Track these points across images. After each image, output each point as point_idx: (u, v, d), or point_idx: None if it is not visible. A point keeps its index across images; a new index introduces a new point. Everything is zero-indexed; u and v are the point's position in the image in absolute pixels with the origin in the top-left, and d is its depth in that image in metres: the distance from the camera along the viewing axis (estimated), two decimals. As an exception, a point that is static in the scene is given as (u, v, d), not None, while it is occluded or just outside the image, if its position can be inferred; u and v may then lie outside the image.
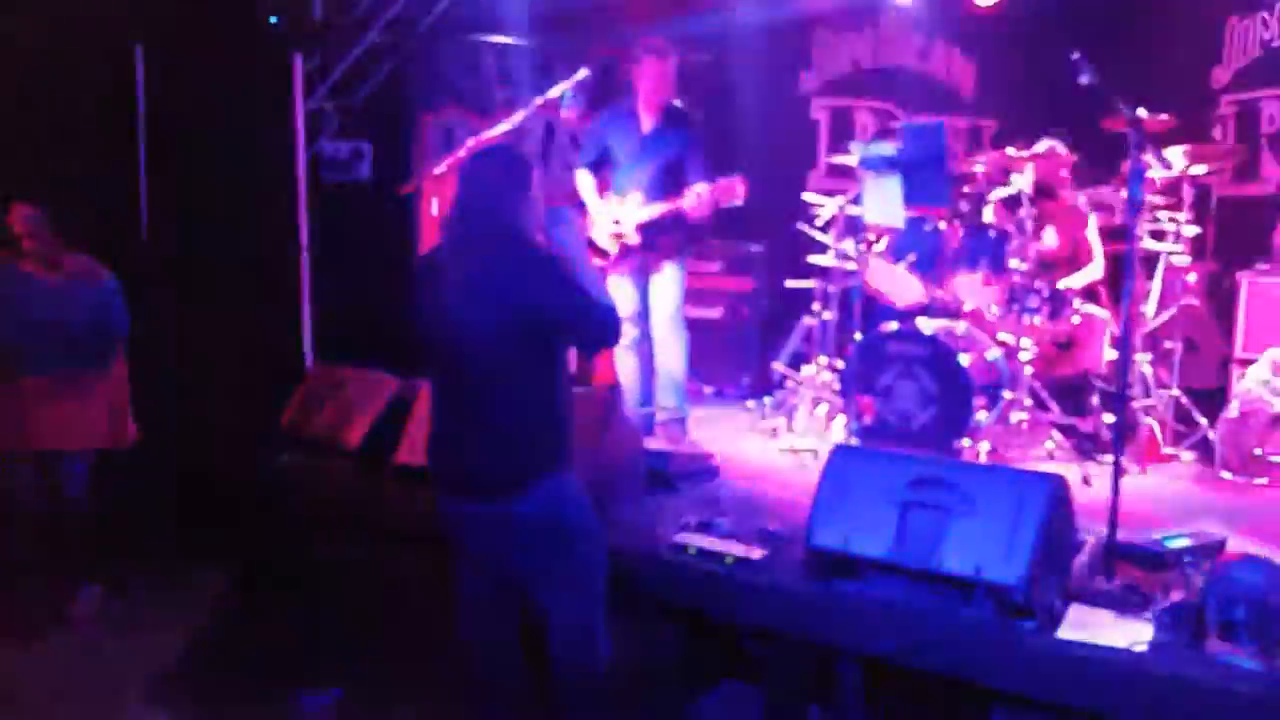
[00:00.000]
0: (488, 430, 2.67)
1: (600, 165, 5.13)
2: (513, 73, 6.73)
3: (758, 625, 3.26)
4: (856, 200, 5.01)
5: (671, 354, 5.12)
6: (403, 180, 5.75)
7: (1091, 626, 2.90)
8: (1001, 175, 5.22)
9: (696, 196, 4.70)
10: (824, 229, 5.48)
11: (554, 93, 4.94)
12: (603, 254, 4.96)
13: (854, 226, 5.06)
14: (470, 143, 4.92)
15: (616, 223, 4.96)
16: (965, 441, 4.59)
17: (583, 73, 4.91)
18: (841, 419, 4.96)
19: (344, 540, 4.13)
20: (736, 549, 3.37)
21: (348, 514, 4.18)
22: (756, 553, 3.35)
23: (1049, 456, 4.76)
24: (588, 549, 2.82)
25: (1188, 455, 5.00)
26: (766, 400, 5.82)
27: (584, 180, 5.13)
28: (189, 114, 5.30)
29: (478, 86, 6.73)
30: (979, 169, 5.31)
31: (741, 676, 3.50)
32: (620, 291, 5.08)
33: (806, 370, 5.55)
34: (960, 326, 4.92)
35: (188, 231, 5.33)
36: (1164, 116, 4.79)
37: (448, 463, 2.78)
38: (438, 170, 4.68)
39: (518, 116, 4.92)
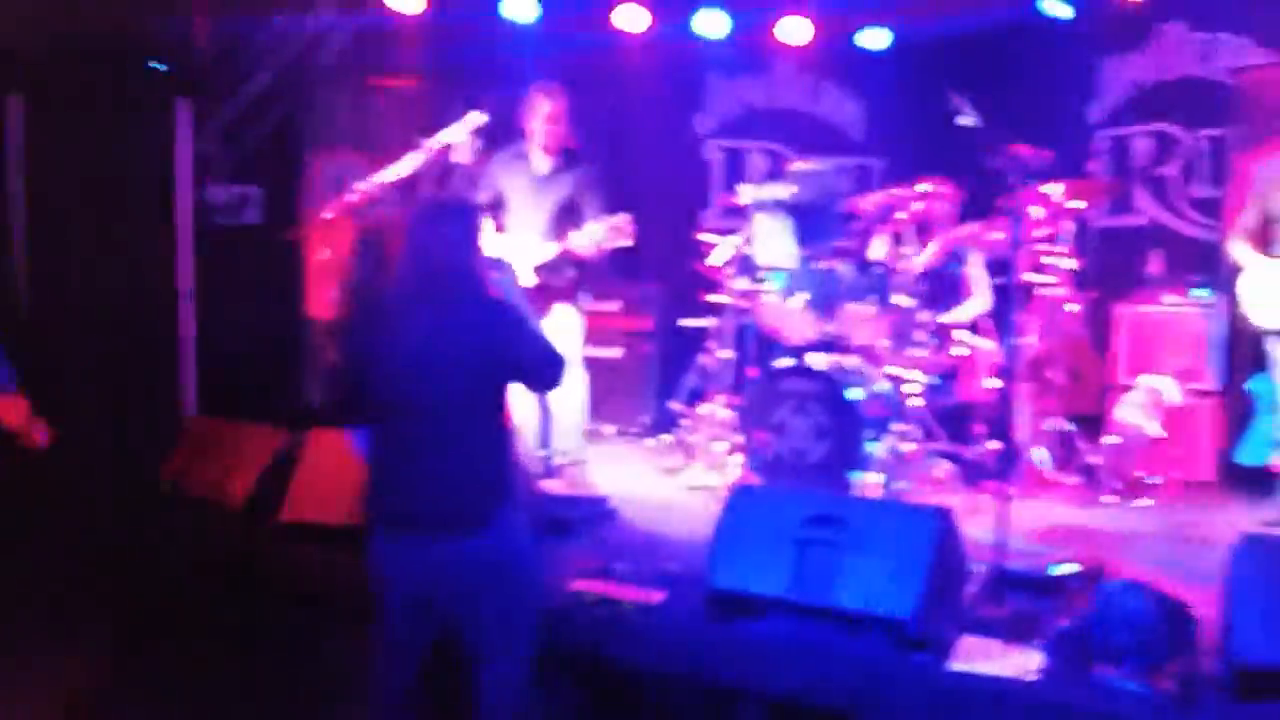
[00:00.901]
0: (451, 467, 2.72)
1: (495, 207, 5.11)
2: (407, 116, 6.67)
3: (659, 671, 3.23)
4: (750, 240, 5.07)
5: (569, 396, 5.08)
6: (292, 224, 5.65)
7: (983, 656, 2.95)
8: (889, 213, 5.35)
9: (586, 237, 4.70)
10: (718, 268, 5.53)
11: (448, 136, 4.90)
12: None
13: (748, 265, 5.12)
14: (361, 187, 4.87)
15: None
16: (858, 474, 4.66)
17: (477, 116, 4.88)
18: (739, 456, 4.99)
19: (228, 602, 3.97)
20: (635, 594, 3.36)
21: (232, 574, 4.02)
22: (656, 596, 3.34)
23: (938, 486, 4.85)
24: (528, 594, 2.87)
25: (1071, 480, 5.15)
26: (666, 439, 5.82)
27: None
28: (68, 163, 5.12)
29: (370, 130, 6.66)
30: (867, 208, 5.44)
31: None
32: None
33: (704, 408, 5.58)
34: (851, 361, 5.00)
35: (65, 282, 5.12)
36: (1043, 153, 4.98)
37: (400, 504, 2.78)
38: (325, 215, 4.60)
39: (411, 160, 4.87)
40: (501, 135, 5.16)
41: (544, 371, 2.88)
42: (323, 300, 5.79)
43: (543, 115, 4.89)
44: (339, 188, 6.36)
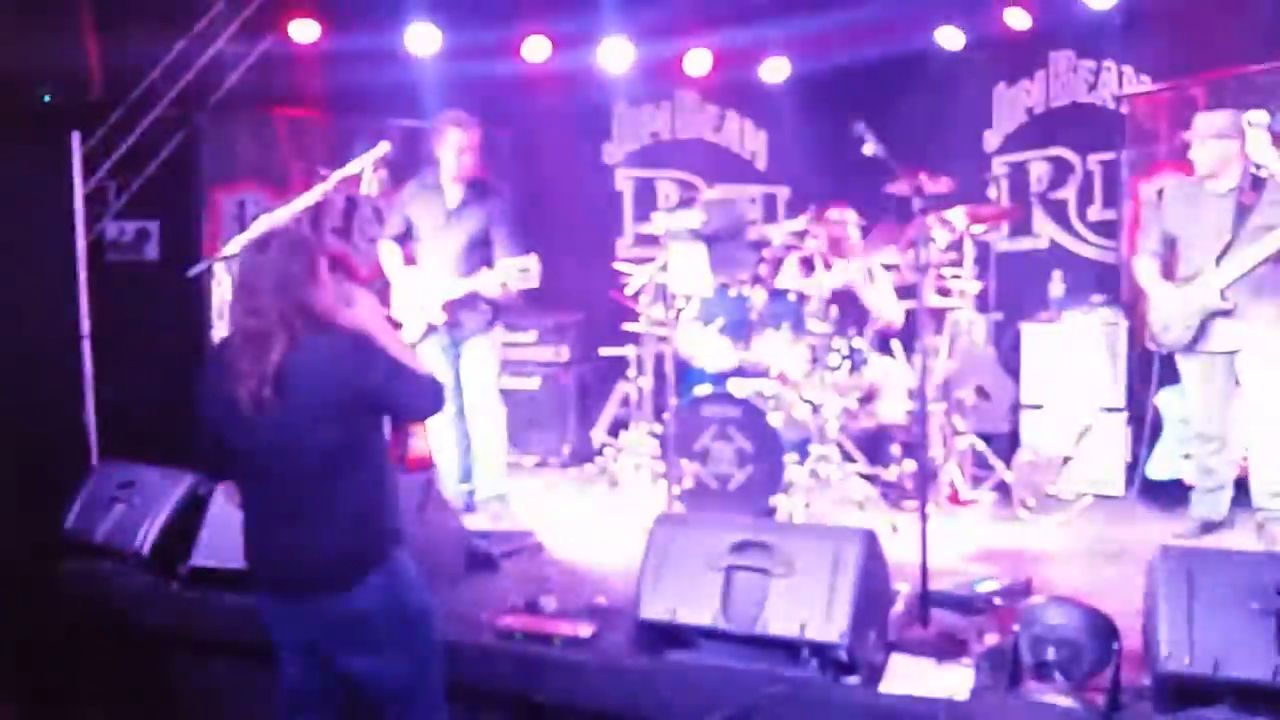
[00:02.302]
0: (314, 525, 2.56)
1: (405, 238, 5.03)
2: (310, 147, 6.56)
3: (590, 706, 3.18)
4: (664, 268, 5.09)
5: (489, 430, 5.01)
6: (194, 259, 5.47)
7: (913, 676, 2.97)
8: (797, 241, 5.44)
9: (493, 279, 4.66)
10: (635, 296, 5.54)
11: (353, 167, 4.81)
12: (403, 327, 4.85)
13: (663, 293, 5.13)
14: (266, 221, 4.74)
15: (420, 303, 4.87)
16: (779, 498, 4.69)
17: (383, 146, 4.80)
18: (663, 484, 4.98)
19: (136, 653, 3.79)
20: (564, 628, 3.30)
21: (139, 624, 3.84)
22: (585, 630, 3.29)
23: (859, 507, 4.92)
24: (426, 634, 2.74)
25: (987, 497, 5.27)
26: (588, 469, 5.79)
27: (388, 253, 5.02)
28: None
29: (272, 161, 6.52)
30: (776, 236, 5.51)
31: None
32: (432, 365, 4.96)
33: (626, 437, 5.56)
34: (769, 387, 5.05)
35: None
36: (944, 179, 5.12)
37: (270, 562, 2.65)
38: (228, 250, 4.46)
39: (316, 191, 4.77)
40: (409, 166, 5.10)
41: (415, 399, 2.66)
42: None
43: (454, 146, 4.84)
44: (240, 221, 6.25)
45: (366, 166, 4.73)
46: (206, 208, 6.38)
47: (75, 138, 5.27)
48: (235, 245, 4.65)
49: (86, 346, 5.17)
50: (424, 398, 2.68)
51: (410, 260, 5.01)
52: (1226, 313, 4.31)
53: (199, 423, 2.69)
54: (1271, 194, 4.23)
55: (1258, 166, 4.19)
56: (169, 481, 4.18)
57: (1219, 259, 4.32)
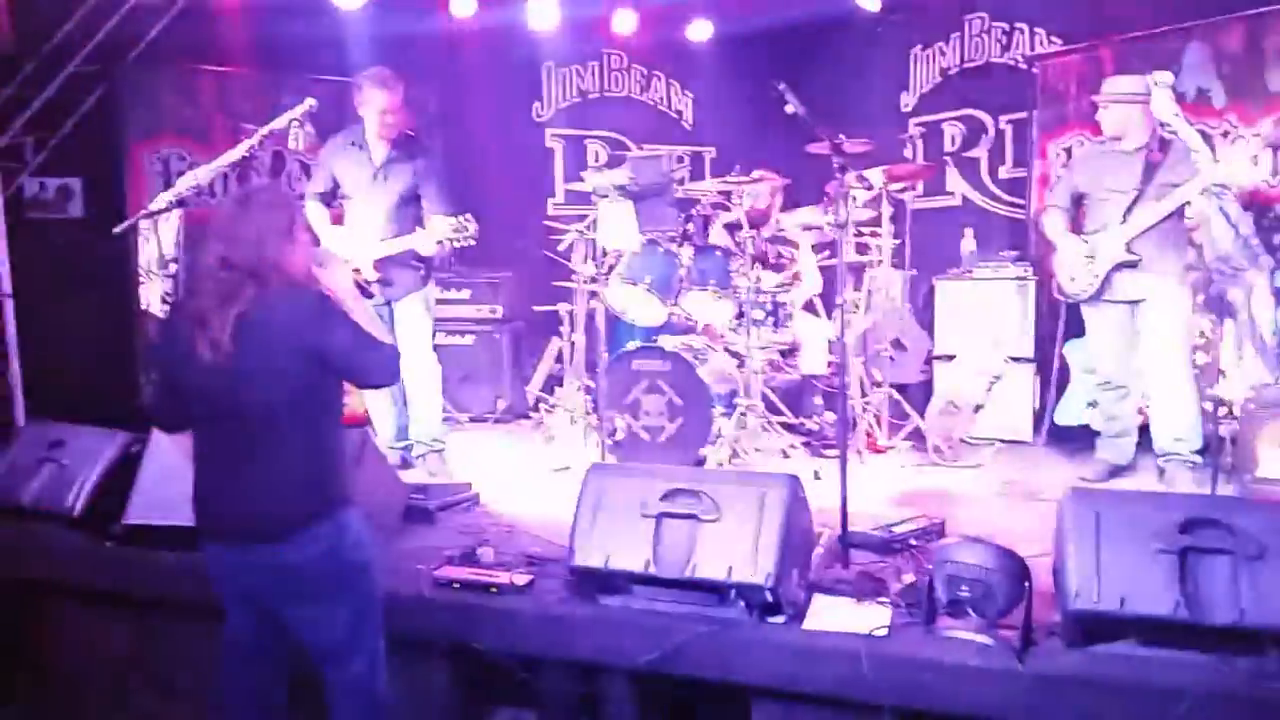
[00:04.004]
0: (263, 476, 2.60)
1: (330, 196, 5.01)
2: (233, 101, 6.45)
3: (527, 652, 3.28)
4: (593, 225, 5.17)
5: (425, 387, 5.06)
6: (120, 216, 5.38)
7: (834, 615, 3.11)
8: (723, 199, 5.55)
9: (428, 236, 4.69)
10: (566, 254, 5.61)
11: (279, 122, 4.77)
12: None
13: (594, 250, 5.21)
14: (191, 177, 4.69)
15: (348, 261, 4.86)
16: (708, 449, 4.84)
17: (309, 102, 4.76)
18: (595, 437, 5.10)
19: (69, 615, 3.79)
20: (500, 577, 3.38)
21: (71, 586, 3.83)
22: (521, 579, 3.38)
23: (783, 456, 5.10)
24: (368, 591, 2.77)
25: (903, 445, 5.49)
26: (524, 423, 5.87)
27: (314, 211, 4.98)
28: None
29: (196, 116, 6.40)
30: (702, 195, 5.62)
31: (516, 704, 3.51)
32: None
33: (560, 392, 5.65)
34: (697, 341, 5.18)
35: None
36: (862, 140, 5.26)
37: (220, 512, 2.69)
38: (154, 206, 4.42)
39: (241, 147, 4.73)
40: (336, 123, 5.07)
41: (372, 366, 2.71)
42: (154, 295, 5.56)
43: (377, 106, 4.82)
44: (165, 177, 6.15)
45: (292, 122, 4.70)
46: (129, 164, 6.26)
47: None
48: (160, 201, 4.61)
49: (9, 305, 5.09)
50: (380, 366, 2.72)
51: (337, 219, 5.00)
52: (1131, 265, 4.53)
53: (157, 370, 2.72)
54: (1177, 153, 4.43)
55: (1162, 125, 4.39)
56: (100, 440, 4.15)
57: (1125, 214, 4.54)
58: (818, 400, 5.48)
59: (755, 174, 5.32)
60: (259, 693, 2.84)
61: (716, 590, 3.12)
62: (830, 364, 5.31)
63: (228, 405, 2.59)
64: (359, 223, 4.91)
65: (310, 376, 2.60)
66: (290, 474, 2.62)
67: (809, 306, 5.64)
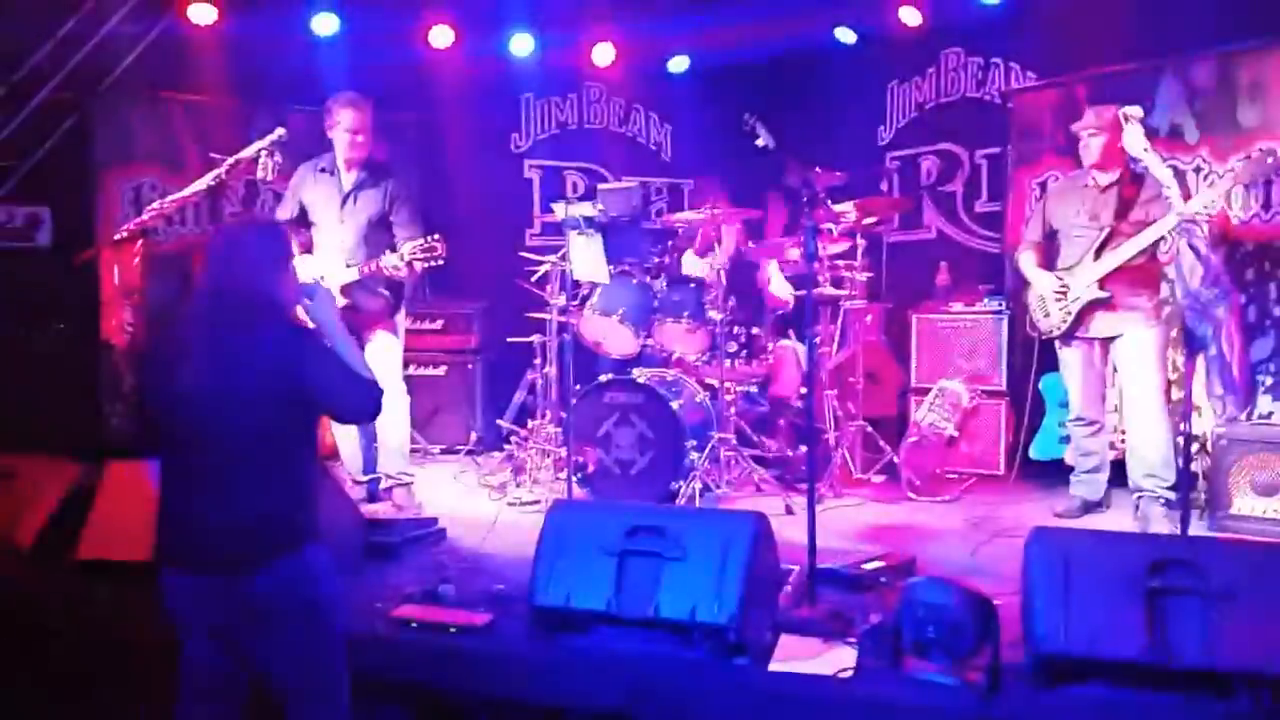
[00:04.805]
0: (240, 506, 2.58)
1: (298, 224, 4.97)
2: (206, 130, 6.41)
3: (487, 694, 3.21)
4: (565, 256, 5.14)
5: (393, 419, 4.99)
6: (88, 245, 5.34)
7: (800, 656, 3.06)
8: (696, 230, 5.53)
9: (397, 258, 4.65)
10: (541, 285, 5.57)
11: (249, 151, 4.75)
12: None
13: (567, 282, 5.18)
14: (157, 207, 4.66)
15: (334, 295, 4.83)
16: (680, 482, 4.79)
17: (279, 132, 4.75)
18: (566, 470, 5.03)
19: (15, 651, 3.69)
20: (460, 617, 3.32)
21: (20, 621, 3.73)
22: (481, 618, 3.32)
23: (756, 489, 5.05)
24: (331, 627, 2.73)
25: (877, 479, 5.45)
26: (495, 456, 5.81)
27: None
28: None
29: (168, 144, 6.36)
30: (677, 225, 5.60)
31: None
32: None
33: (532, 424, 5.60)
34: (670, 373, 5.15)
35: None
36: (838, 173, 5.26)
37: (187, 539, 2.64)
38: (119, 235, 4.37)
39: (208, 176, 4.70)
40: (310, 153, 5.04)
41: (352, 402, 2.73)
42: (118, 325, 5.50)
43: (346, 126, 4.81)
44: (136, 206, 6.09)
45: (261, 151, 4.68)
46: (100, 193, 6.20)
47: (-46, 119, 5.09)
48: (124, 231, 4.57)
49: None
50: (363, 402, 2.73)
51: (306, 248, 4.95)
52: (1103, 303, 4.52)
53: (141, 397, 2.73)
54: (1149, 189, 4.44)
55: (1134, 160, 4.40)
56: (54, 471, 4.08)
57: (1097, 251, 4.53)
58: (791, 434, 5.43)
59: (718, 206, 5.29)
60: None
61: (680, 630, 3.07)
62: (803, 397, 5.28)
63: (205, 433, 2.58)
64: (328, 249, 4.87)
65: (291, 409, 2.60)
66: (263, 505, 2.59)
67: (784, 332, 5.59)
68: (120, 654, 3.53)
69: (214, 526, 2.59)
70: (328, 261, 4.83)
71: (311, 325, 2.81)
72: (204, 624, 2.69)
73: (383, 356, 4.94)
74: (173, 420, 2.63)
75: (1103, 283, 4.51)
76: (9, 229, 6.05)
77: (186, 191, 4.76)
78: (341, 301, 4.79)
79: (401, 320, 5.08)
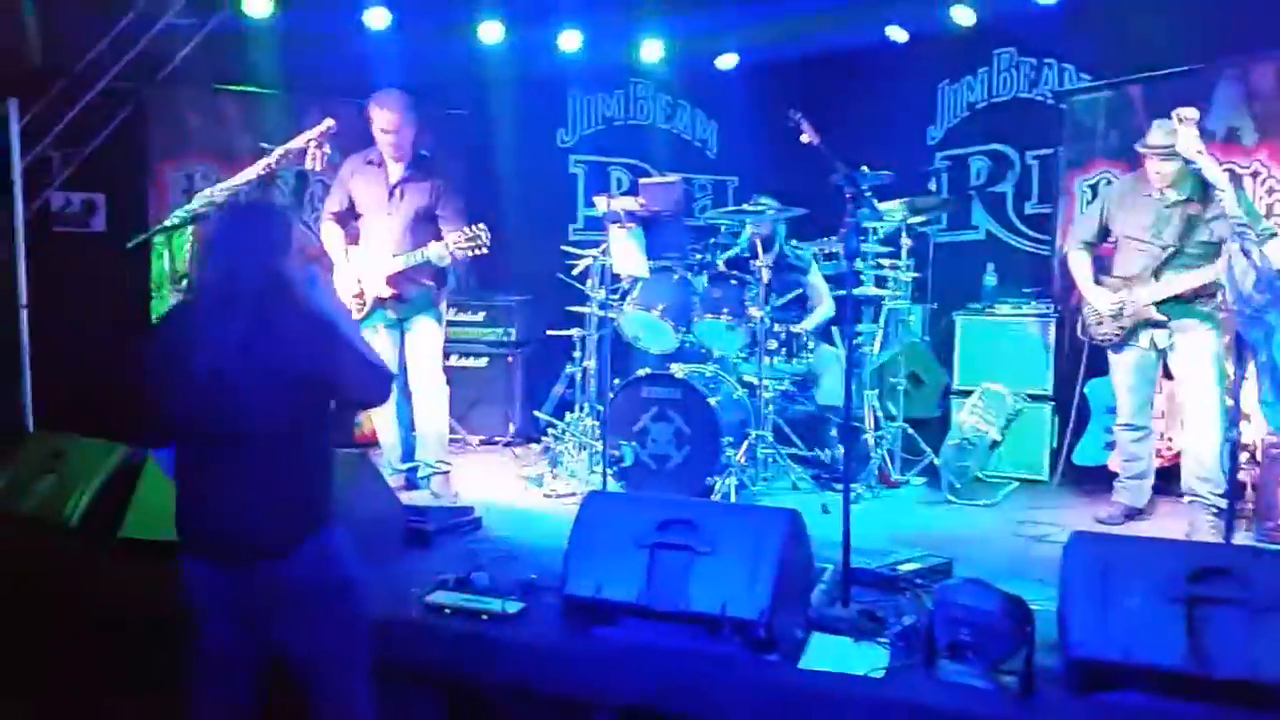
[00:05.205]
0: (257, 491, 2.57)
1: (346, 215, 5.03)
2: (259, 122, 6.51)
3: (516, 682, 3.21)
4: (606, 251, 5.15)
5: (433, 408, 5.04)
6: (141, 232, 5.44)
7: (832, 655, 3.03)
8: (740, 227, 5.51)
9: (442, 247, 4.69)
10: (581, 279, 5.59)
11: (298, 142, 4.82)
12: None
13: (608, 276, 5.19)
14: (207, 194, 4.73)
15: (359, 280, 4.88)
16: (716, 479, 4.77)
17: (327, 123, 4.82)
18: (602, 463, 5.04)
19: (63, 627, 3.77)
20: (493, 604, 3.33)
21: (67, 598, 3.81)
22: (514, 606, 3.33)
23: (793, 488, 5.02)
24: (355, 607, 2.74)
25: (917, 480, 5.39)
26: (533, 448, 5.83)
27: (329, 233, 5.02)
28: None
29: (221, 136, 6.47)
30: (723, 223, 5.59)
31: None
32: (375, 344, 4.98)
33: (570, 417, 5.62)
34: (709, 369, 5.13)
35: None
36: (885, 172, 5.21)
37: (206, 527, 2.65)
38: (169, 221, 4.45)
39: (257, 165, 4.78)
40: (359, 144, 5.10)
41: (364, 387, 2.72)
42: (163, 310, 5.60)
43: (378, 125, 4.86)
44: (188, 194, 6.20)
45: (310, 142, 4.74)
46: (153, 181, 6.33)
47: (13, 105, 5.21)
48: (175, 218, 4.65)
49: (24, 317, 5.14)
50: (372, 385, 2.72)
51: (356, 238, 5.02)
52: (1160, 324, 4.44)
53: (148, 384, 2.66)
54: (1216, 208, 4.26)
55: (1187, 162, 4.26)
56: (101, 452, 4.16)
57: (1158, 270, 4.43)
58: (831, 433, 5.39)
59: (762, 202, 5.26)
60: (231, 710, 2.78)
61: (710, 625, 3.05)
62: (844, 396, 5.22)
63: (221, 420, 2.56)
64: (374, 240, 4.92)
65: (306, 394, 2.58)
66: (282, 490, 2.59)
67: (827, 337, 5.57)
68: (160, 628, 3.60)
69: (236, 514, 2.58)
70: (374, 252, 4.88)
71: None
72: (227, 610, 2.69)
73: (425, 345, 4.99)
74: (188, 410, 2.59)
75: (1159, 306, 4.42)
76: (67, 214, 6.20)
77: (236, 180, 4.84)
78: (386, 291, 4.86)
79: (444, 310, 5.11)
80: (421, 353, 5.00)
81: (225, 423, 2.56)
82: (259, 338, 2.53)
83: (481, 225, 4.65)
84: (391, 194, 4.91)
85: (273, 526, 2.59)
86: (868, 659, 2.99)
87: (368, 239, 4.96)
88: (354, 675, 2.76)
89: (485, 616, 3.30)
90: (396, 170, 4.93)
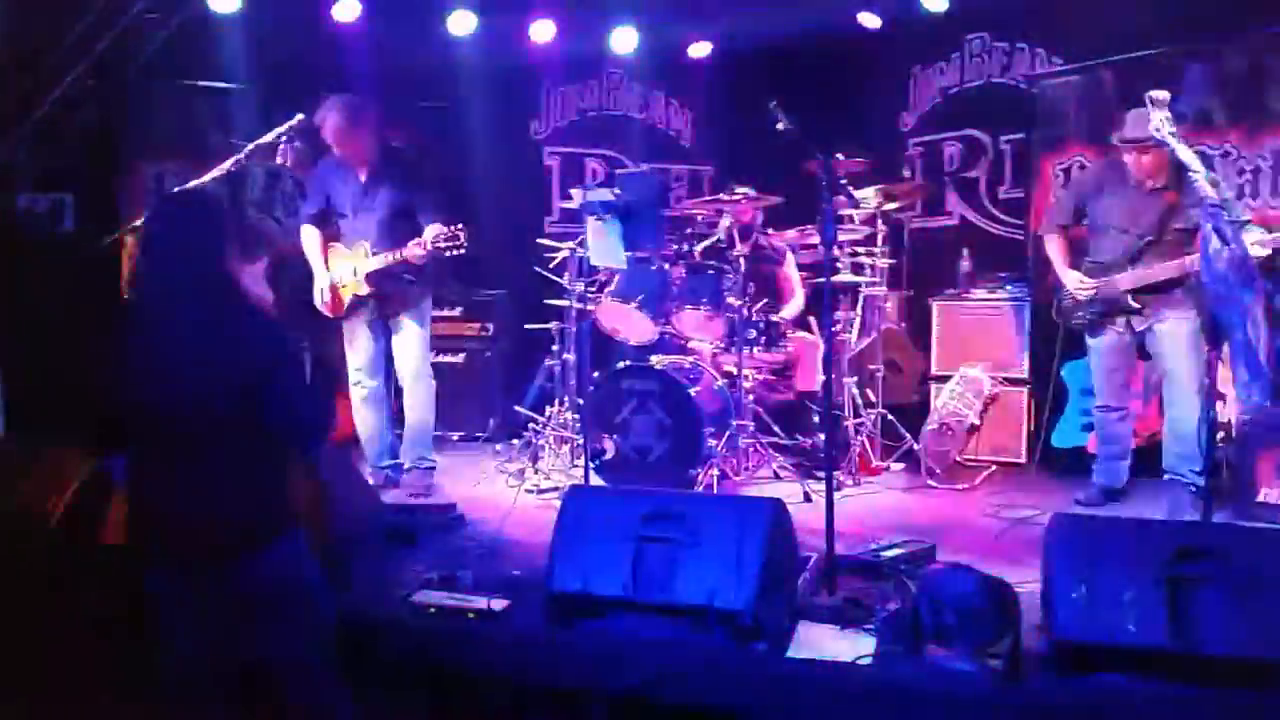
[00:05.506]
0: (211, 493, 2.51)
1: (325, 216, 4.99)
2: (229, 118, 6.43)
3: (504, 678, 3.21)
4: (584, 243, 5.13)
5: (419, 405, 5.04)
6: (112, 232, 5.37)
7: (818, 642, 3.06)
8: (716, 217, 5.51)
9: (419, 245, 4.65)
10: (558, 272, 5.57)
11: (269, 138, 4.78)
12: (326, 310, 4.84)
13: (585, 269, 5.17)
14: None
15: (336, 282, 4.85)
16: (698, 470, 4.77)
17: (298, 118, 4.78)
18: (583, 457, 5.03)
19: (41, 634, 3.73)
20: (479, 602, 3.32)
21: (44, 604, 3.77)
22: (499, 603, 3.32)
23: (775, 477, 5.03)
24: (321, 609, 2.71)
25: (897, 466, 5.41)
26: (513, 443, 5.82)
27: (308, 235, 4.97)
28: None
29: (191, 132, 6.39)
30: (698, 213, 5.57)
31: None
32: (357, 342, 4.97)
33: (550, 411, 5.60)
34: (688, 360, 5.13)
35: None
36: (859, 159, 5.21)
37: (165, 536, 2.58)
38: (139, 221, 4.39)
39: (228, 162, 4.74)
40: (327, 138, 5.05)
41: (299, 419, 2.52)
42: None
43: (328, 138, 4.80)
44: (159, 192, 6.13)
45: (280, 138, 4.70)
46: (123, 180, 6.24)
47: (-23, 106, 5.12)
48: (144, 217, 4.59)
49: (-7, 319, 5.06)
50: (308, 420, 2.57)
51: (334, 238, 4.98)
52: (1135, 311, 4.47)
53: (104, 385, 2.60)
54: (1192, 196, 4.26)
55: (1158, 145, 4.25)
56: (77, 456, 4.10)
57: (1134, 258, 4.44)
58: (811, 420, 5.40)
59: (738, 191, 5.26)
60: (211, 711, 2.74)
61: (697, 616, 3.06)
62: (822, 384, 5.24)
63: (163, 415, 2.50)
64: (354, 239, 4.89)
65: (245, 388, 2.47)
66: (234, 491, 2.52)
67: (804, 324, 5.58)
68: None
69: (190, 518, 2.52)
70: (355, 251, 4.85)
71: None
72: (193, 621, 2.63)
73: (409, 342, 4.98)
74: (139, 406, 2.53)
75: (1133, 295, 4.44)
76: (33, 215, 6.10)
77: (206, 178, 4.79)
78: (365, 289, 4.82)
79: (427, 307, 5.09)
80: (407, 351, 4.98)
81: (175, 418, 2.49)
82: (201, 336, 2.45)
83: (460, 225, 4.62)
84: (365, 192, 4.88)
85: (228, 530, 2.52)
86: (854, 646, 3.00)
87: (346, 237, 4.93)
88: (323, 679, 2.70)
89: (472, 614, 3.29)
90: (364, 168, 4.88)
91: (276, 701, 2.69)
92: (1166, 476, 4.55)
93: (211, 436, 2.50)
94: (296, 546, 2.64)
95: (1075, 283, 4.61)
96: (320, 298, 4.87)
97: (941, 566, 3.16)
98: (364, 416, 5.11)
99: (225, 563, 2.53)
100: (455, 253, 4.64)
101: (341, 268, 4.87)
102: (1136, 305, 4.47)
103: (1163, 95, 4.16)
